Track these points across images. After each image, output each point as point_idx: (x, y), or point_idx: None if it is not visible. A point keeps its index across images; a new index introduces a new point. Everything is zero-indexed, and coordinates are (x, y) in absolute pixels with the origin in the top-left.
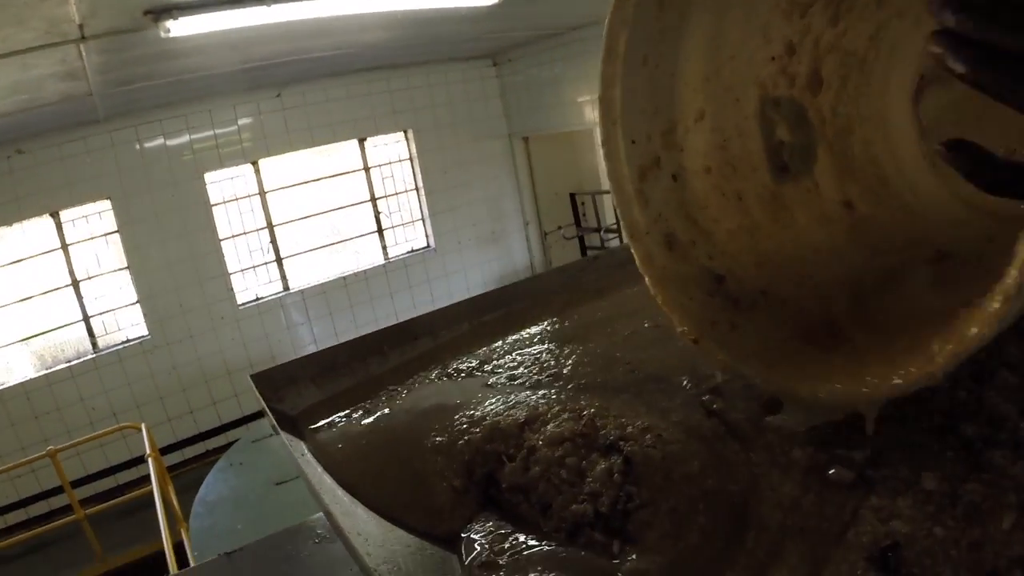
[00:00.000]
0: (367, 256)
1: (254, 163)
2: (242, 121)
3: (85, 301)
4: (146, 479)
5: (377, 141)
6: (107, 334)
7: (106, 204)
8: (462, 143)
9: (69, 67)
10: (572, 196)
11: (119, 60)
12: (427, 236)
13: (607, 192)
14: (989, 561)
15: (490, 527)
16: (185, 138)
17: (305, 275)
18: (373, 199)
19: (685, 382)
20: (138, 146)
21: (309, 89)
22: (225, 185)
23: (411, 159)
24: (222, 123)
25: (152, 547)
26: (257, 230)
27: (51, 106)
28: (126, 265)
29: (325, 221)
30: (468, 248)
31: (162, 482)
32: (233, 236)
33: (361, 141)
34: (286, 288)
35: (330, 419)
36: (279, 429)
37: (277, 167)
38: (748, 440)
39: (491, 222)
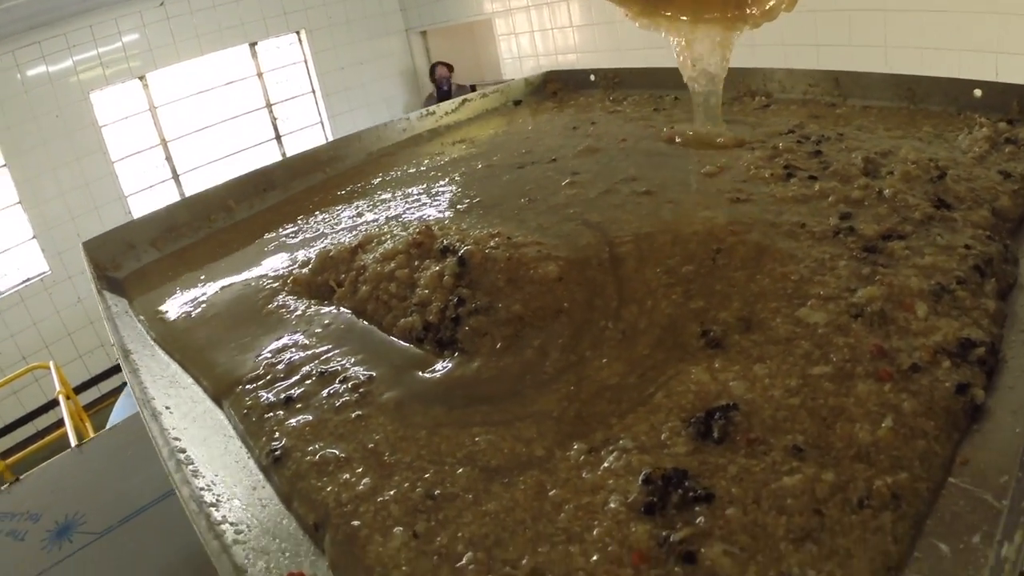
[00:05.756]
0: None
1: (142, 78)
2: (126, 35)
3: None
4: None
5: (269, 45)
6: (4, 275)
7: None
8: (358, 41)
9: None
10: (473, 88)
11: None
12: (327, 139)
13: (509, 82)
14: (905, 359)
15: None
16: (67, 58)
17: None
18: (269, 105)
19: (524, 200)
20: (18, 73)
21: None
22: (114, 104)
23: (305, 61)
24: (105, 39)
25: None
26: (151, 148)
27: None
28: (18, 200)
29: (221, 132)
30: None
31: (77, 421)
32: (126, 157)
33: (252, 46)
34: None
35: (160, 283)
36: (99, 290)
37: (166, 80)
38: (628, 276)
39: None
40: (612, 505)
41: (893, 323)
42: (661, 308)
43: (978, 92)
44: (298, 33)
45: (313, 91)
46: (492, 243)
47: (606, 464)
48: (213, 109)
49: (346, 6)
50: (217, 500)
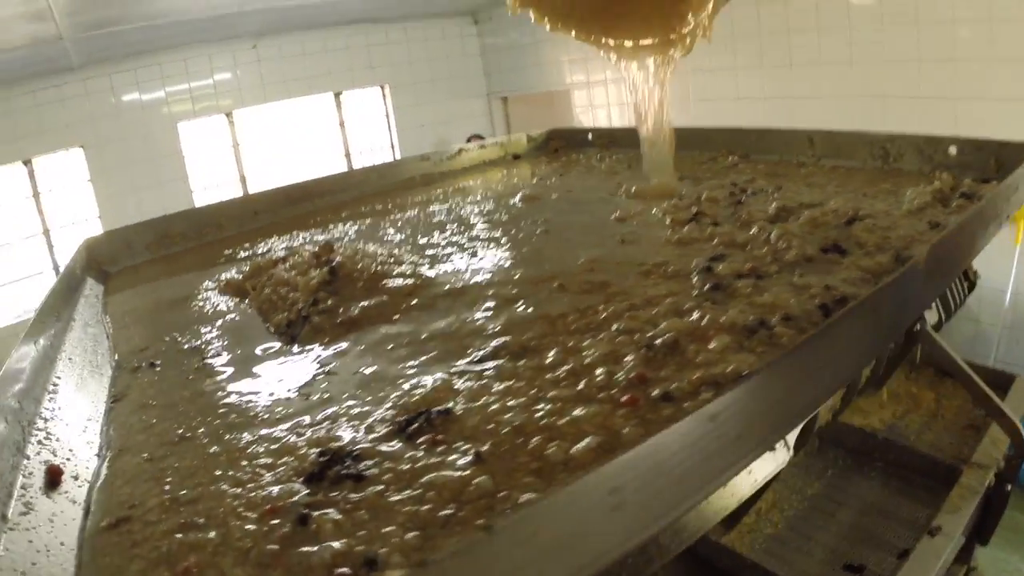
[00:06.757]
0: None
1: (228, 115)
2: (217, 72)
3: (56, 252)
4: None
5: (353, 96)
6: None
7: (79, 153)
8: (440, 100)
9: (35, 7)
10: None
11: (85, 1)
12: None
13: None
14: (664, 388)
15: None
16: (159, 87)
17: None
18: (348, 155)
19: (437, 233)
20: (112, 97)
21: (285, 41)
22: (198, 136)
23: (387, 115)
24: (197, 73)
25: None
26: (230, 183)
27: (22, 50)
28: (99, 215)
29: (298, 176)
30: None
31: None
32: (206, 188)
33: (337, 95)
34: None
35: (139, 279)
36: (86, 273)
37: (250, 118)
38: (465, 303)
39: None
40: (284, 467)
41: (681, 355)
42: (461, 332)
43: (953, 150)
44: (382, 87)
45: (392, 146)
46: (371, 260)
47: (307, 435)
48: (293, 152)
49: (431, 66)
50: (53, 416)
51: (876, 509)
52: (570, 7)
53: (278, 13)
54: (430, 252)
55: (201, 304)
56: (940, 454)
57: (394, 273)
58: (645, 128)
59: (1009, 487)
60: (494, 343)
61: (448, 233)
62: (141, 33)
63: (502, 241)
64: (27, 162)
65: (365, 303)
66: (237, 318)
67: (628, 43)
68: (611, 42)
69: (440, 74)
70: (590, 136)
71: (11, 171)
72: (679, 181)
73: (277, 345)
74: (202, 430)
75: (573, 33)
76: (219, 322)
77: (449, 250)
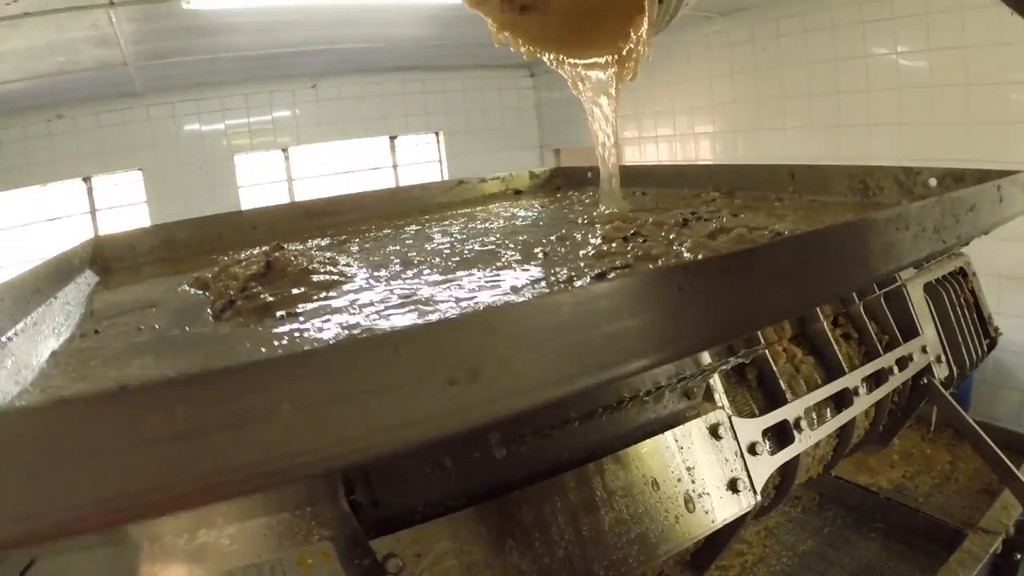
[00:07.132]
0: None
1: (284, 150)
2: (276, 109)
3: None
4: None
5: (407, 141)
6: None
7: (138, 175)
8: (493, 150)
9: (101, 33)
10: None
11: (149, 31)
12: None
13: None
14: None
15: None
16: (220, 119)
17: None
18: None
19: (394, 245)
20: (173, 125)
21: (344, 83)
22: (253, 169)
23: (440, 161)
24: (257, 109)
25: None
26: None
27: (88, 72)
28: None
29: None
30: None
31: None
32: None
33: (392, 139)
34: None
35: (133, 276)
36: (86, 265)
37: (305, 156)
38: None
39: None
40: None
41: None
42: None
43: (932, 181)
44: (437, 134)
45: None
46: (307, 259)
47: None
48: (346, 190)
49: (486, 116)
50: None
51: (870, 571)
52: (539, 31)
53: (339, 55)
54: (372, 259)
55: (170, 295)
56: (947, 518)
57: (322, 271)
58: (603, 159)
59: (1019, 556)
60: (361, 326)
61: (399, 247)
62: (204, 65)
63: (442, 252)
64: (87, 179)
65: (286, 293)
66: (190, 304)
67: (589, 60)
68: (575, 62)
69: (494, 124)
70: (589, 174)
71: (71, 186)
72: (648, 211)
73: (204, 325)
74: (96, 378)
75: (547, 57)
76: (174, 306)
77: (391, 258)
